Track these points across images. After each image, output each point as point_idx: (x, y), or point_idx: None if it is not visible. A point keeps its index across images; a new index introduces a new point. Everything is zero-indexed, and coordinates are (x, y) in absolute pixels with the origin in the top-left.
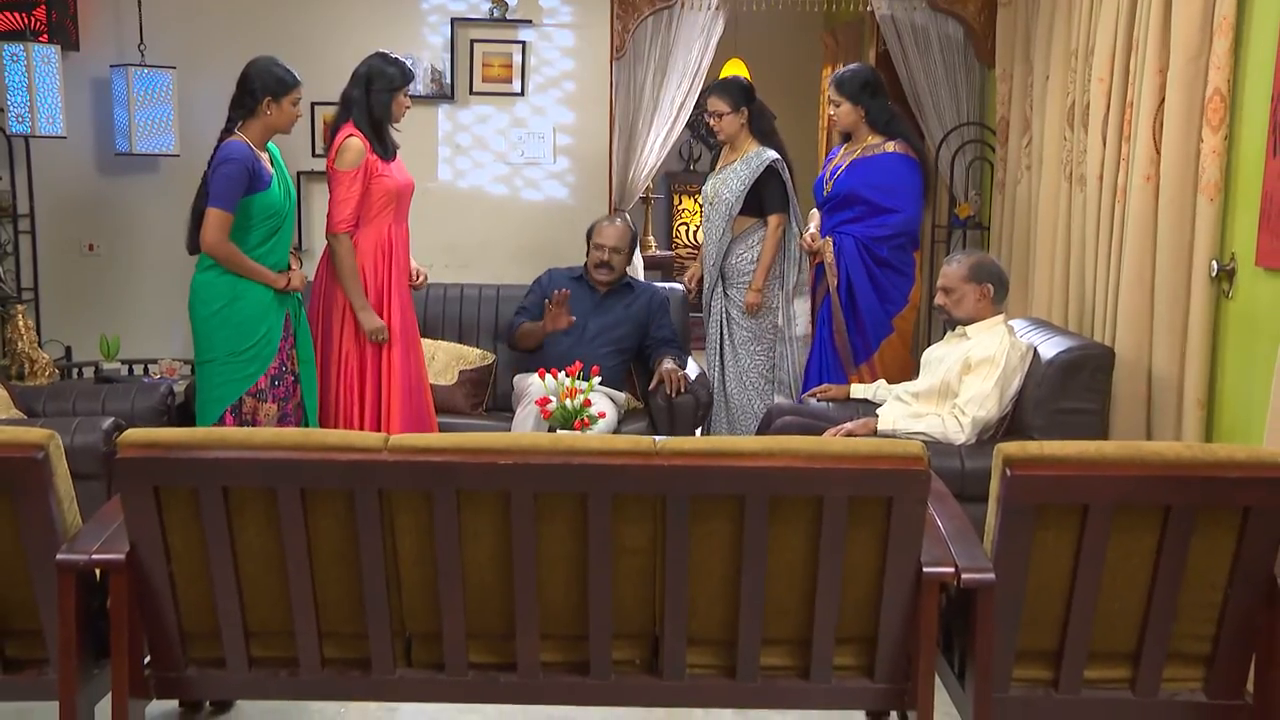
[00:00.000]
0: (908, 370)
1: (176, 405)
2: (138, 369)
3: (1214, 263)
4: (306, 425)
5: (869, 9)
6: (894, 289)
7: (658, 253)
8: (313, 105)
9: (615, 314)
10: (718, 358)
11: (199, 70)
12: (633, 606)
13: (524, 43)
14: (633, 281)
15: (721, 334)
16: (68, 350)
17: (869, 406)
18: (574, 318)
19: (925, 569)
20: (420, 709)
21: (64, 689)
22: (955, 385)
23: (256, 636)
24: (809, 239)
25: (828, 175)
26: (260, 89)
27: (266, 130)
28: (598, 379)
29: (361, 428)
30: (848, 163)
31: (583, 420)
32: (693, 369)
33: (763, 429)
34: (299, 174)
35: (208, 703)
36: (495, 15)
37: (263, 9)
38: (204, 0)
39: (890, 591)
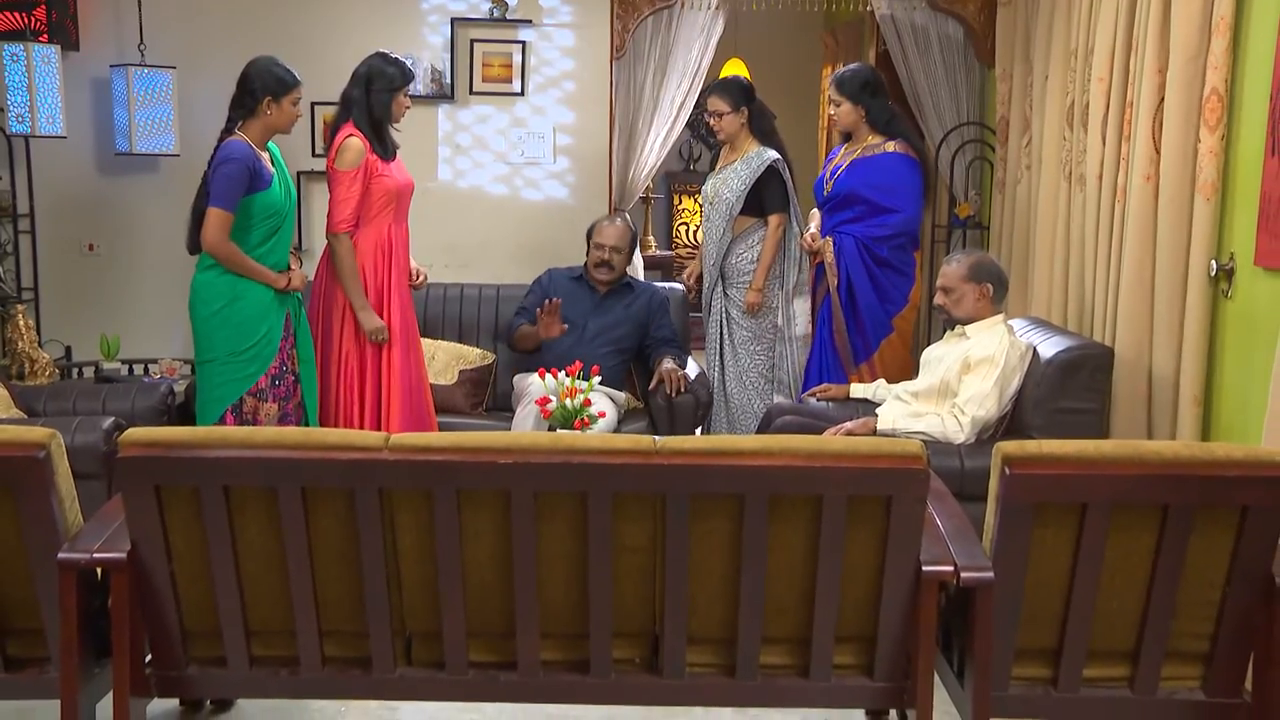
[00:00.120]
0: (908, 370)
1: (177, 405)
2: (138, 369)
3: (1213, 262)
4: (307, 425)
5: (869, 9)
6: (894, 289)
7: (658, 253)
8: (313, 105)
9: (615, 314)
10: (717, 357)
11: (199, 70)
12: (633, 605)
13: (524, 43)
14: (633, 281)
15: (721, 334)
16: (68, 350)
17: (868, 406)
18: (566, 326)
19: (924, 568)
20: (420, 707)
21: (65, 687)
22: (955, 385)
23: (257, 635)
24: (809, 239)
25: (828, 175)
26: (260, 89)
27: (267, 130)
28: (598, 379)
29: (361, 427)
30: (848, 162)
31: (583, 420)
32: (692, 369)
33: (762, 428)
34: (299, 174)
35: (208, 701)
36: (495, 15)
37: (263, 9)
38: (204, 0)
39: (889, 590)
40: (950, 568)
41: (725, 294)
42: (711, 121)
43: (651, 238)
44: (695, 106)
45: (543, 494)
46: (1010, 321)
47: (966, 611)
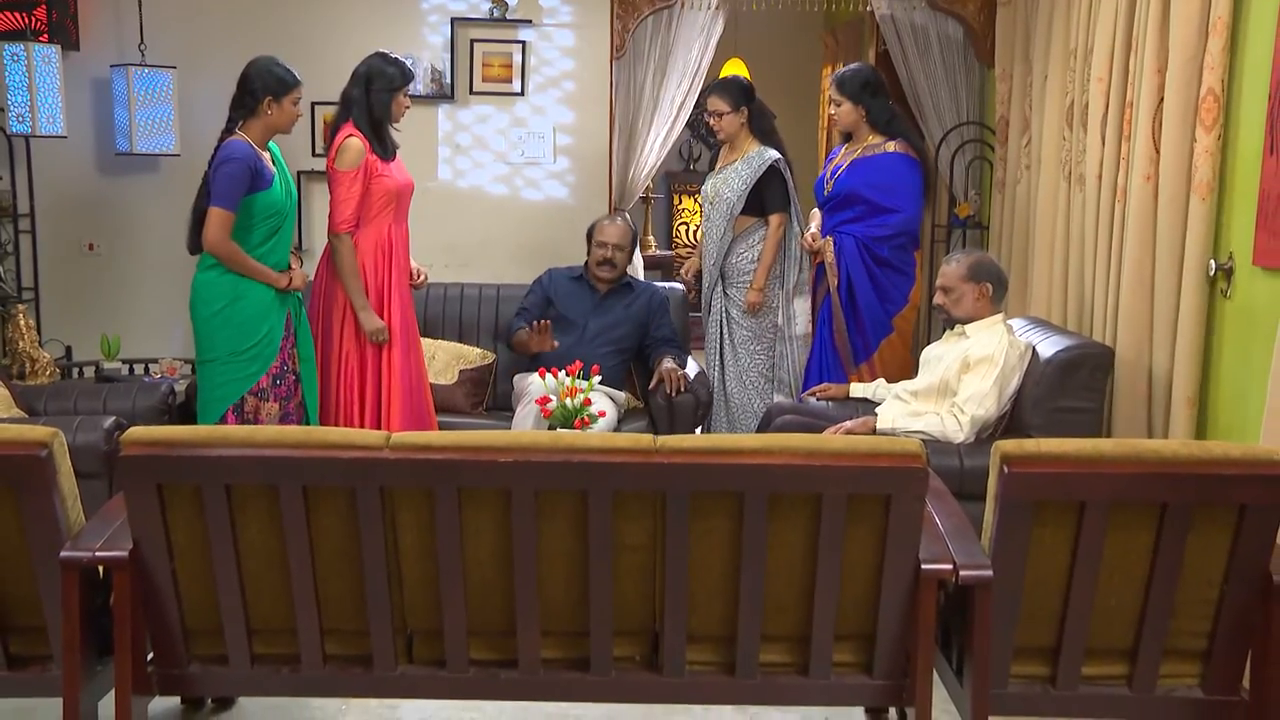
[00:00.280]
0: (907, 370)
1: (177, 405)
2: (138, 369)
3: (1212, 262)
4: (307, 424)
5: (869, 9)
6: (894, 289)
7: (658, 252)
8: (313, 105)
9: (615, 314)
10: (717, 357)
11: (199, 70)
12: (633, 603)
13: (524, 42)
14: (632, 281)
15: (721, 333)
16: (68, 350)
17: (868, 405)
18: (557, 344)
19: (923, 566)
20: (421, 705)
21: (68, 685)
22: (954, 384)
23: (259, 633)
24: (809, 239)
25: (828, 175)
26: (261, 89)
27: (267, 130)
28: (597, 378)
29: (361, 427)
30: (848, 162)
31: (583, 419)
32: (692, 368)
33: (762, 428)
34: (299, 174)
35: (210, 700)
36: (495, 15)
37: (263, 9)
38: (204, 0)
39: (889, 588)
40: (949, 566)
41: (725, 293)
42: (711, 121)
43: (651, 238)
44: (695, 106)
45: (543, 493)
46: (1010, 321)
47: (965, 610)
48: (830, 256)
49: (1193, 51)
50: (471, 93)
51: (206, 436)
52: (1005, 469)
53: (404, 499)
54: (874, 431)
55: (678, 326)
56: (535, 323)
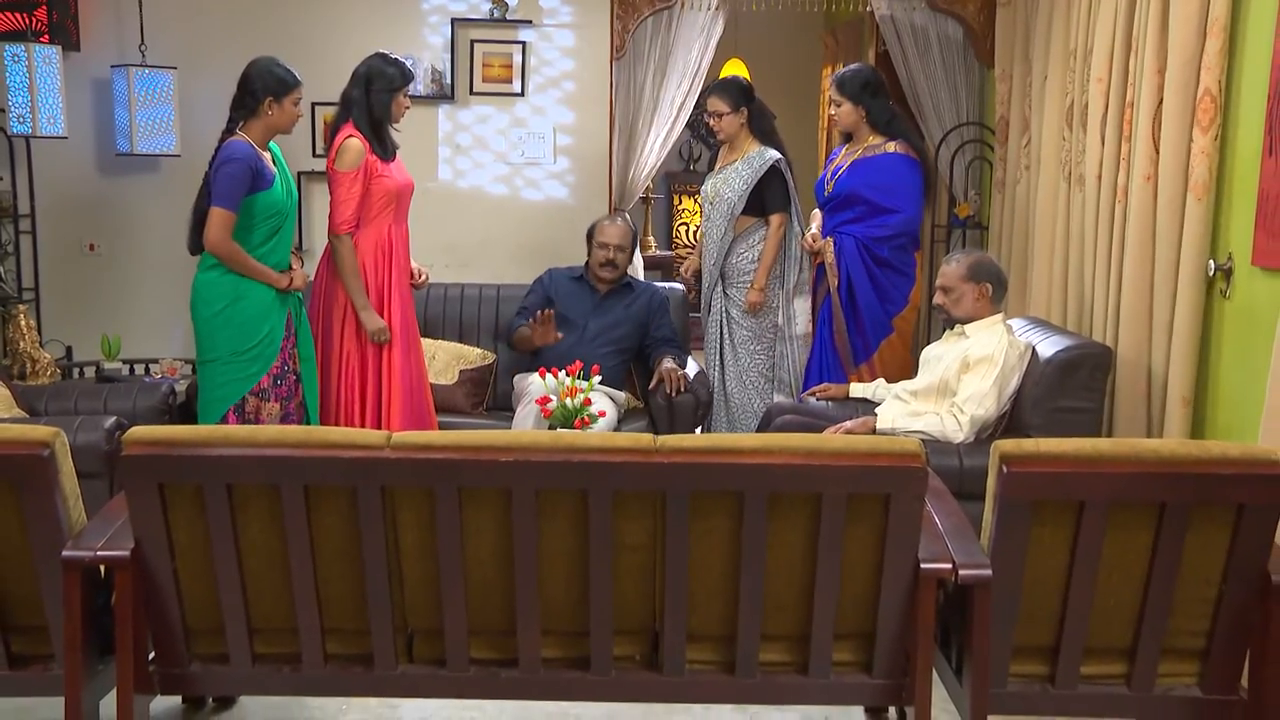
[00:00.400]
0: (907, 370)
1: (178, 405)
2: (139, 369)
3: (1211, 262)
4: (308, 424)
5: (869, 9)
6: (894, 289)
7: (658, 253)
8: (313, 105)
9: (615, 314)
10: (717, 357)
11: (200, 70)
12: (633, 602)
13: (524, 43)
14: (633, 281)
15: (721, 333)
16: (68, 350)
17: (868, 405)
18: (561, 335)
19: (923, 565)
20: (422, 705)
21: (69, 684)
22: (954, 384)
23: (260, 632)
24: (810, 239)
25: (829, 175)
26: (261, 89)
27: (268, 130)
28: (598, 378)
29: (362, 427)
30: (849, 163)
31: (583, 419)
32: (692, 368)
33: (762, 427)
34: (299, 174)
35: (211, 699)
36: (495, 15)
37: (263, 9)
38: (204, 1)
39: (888, 588)
40: (948, 565)
41: (725, 293)
42: (711, 122)
43: (651, 238)
44: (695, 107)
45: (543, 492)
46: (1009, 321)
47: (965, 609)
48: (830, 257)
49: (1191, 52)
50: (471, 93)
51: (208, 436)
52: (1004, 468)
53: (405, 498)
54: (874, 431)
55: (678, 326)
56: (539, 312)
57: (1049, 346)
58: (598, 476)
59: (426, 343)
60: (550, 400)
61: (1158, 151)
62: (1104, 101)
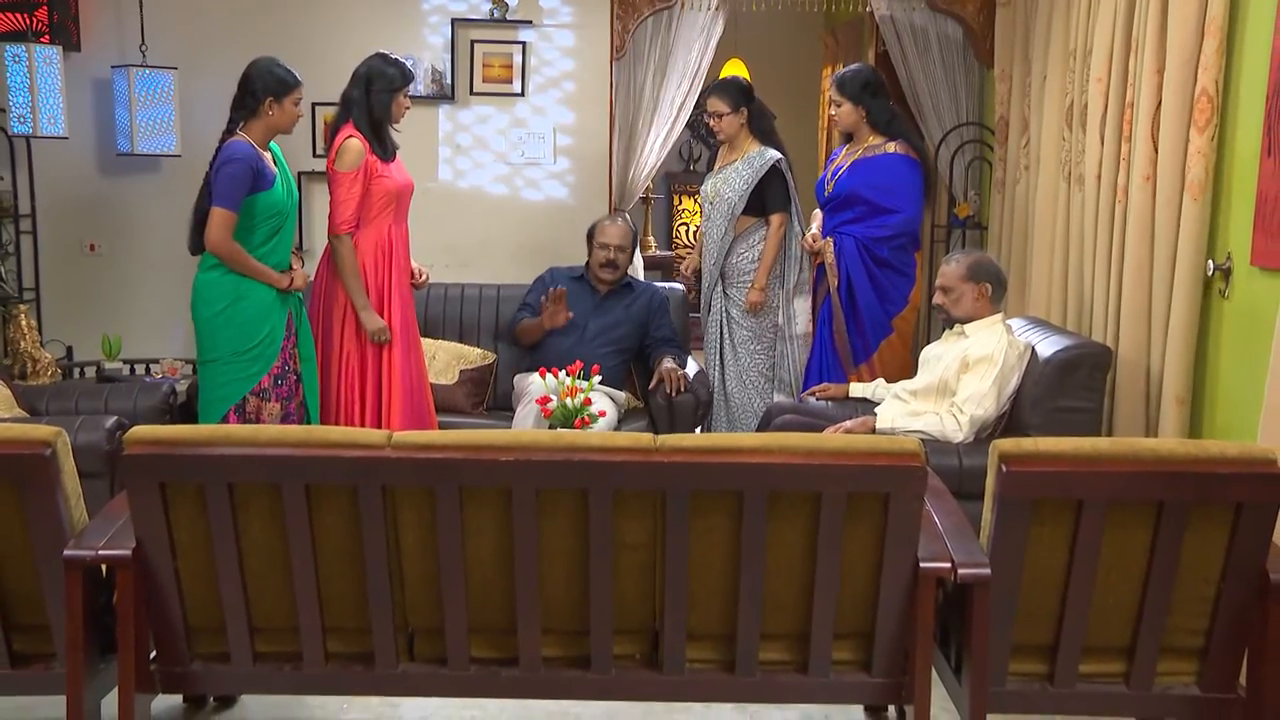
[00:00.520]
0: (907, 370)
1: (179, 405)
2: (139, 369)
3: (1210, 262)
4: (308, 424)
5: (869, 9)
6: (894, 289)
7: (658, 253)
8: (313, 105)
9: (615, 314)
10: (717, 357)
11: (200, 71)
12: (633, 601)
13: (524, 43)
14: (633, 281)
15: (721, 333)
16: (69, 350)
17: (868, 405)
18: (571, 314)
19: (922, 564)
20: (422, 703)
21: (71, 683)
22: (953, 384)
23: (261, 631)
24: (810, 239)
25: (829, 176)
26: (262, 89)
27: (268, 130)
28: (598, 378)
29: (362, 427)
30: (849, 163)
31: (583, 419)
32: (692, 368)
33: (762, 427)
34: (300, 174)
35: (212, 698)
36: (495, 15)
37: (263, 9)
38: (205, 1)
39: (887, 587)
40: (948, 564)
41: (725, 293)
42: (711, 122)
43: (651, 238)
44: (695, 107)
45: (544, 491)
46: (1009, 321)
47: (964, 608)
48: (830, 257)
49: (1190, 53)
50: (472, 93)
51: (209, 436)
52: (1003, 468)
53: (405, 498)
54: (873, 431)
55: (678, 326)
56: (550, 290)
57: (1048, 346)
58: (598, 476)
59: (427, 343)
60: (550, 400)
61: (1157, 151)
62: (1103, 101)
